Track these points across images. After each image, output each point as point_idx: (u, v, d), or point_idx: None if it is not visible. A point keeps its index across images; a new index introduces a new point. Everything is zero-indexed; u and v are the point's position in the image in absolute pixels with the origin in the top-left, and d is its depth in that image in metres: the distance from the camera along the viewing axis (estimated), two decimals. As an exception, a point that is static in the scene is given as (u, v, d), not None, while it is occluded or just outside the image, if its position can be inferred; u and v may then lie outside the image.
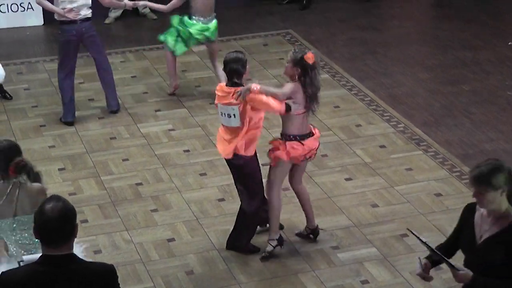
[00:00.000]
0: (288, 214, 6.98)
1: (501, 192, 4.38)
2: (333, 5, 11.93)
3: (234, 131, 6.34)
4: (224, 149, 6.42)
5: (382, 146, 8.19)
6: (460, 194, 7.38)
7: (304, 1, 11.89)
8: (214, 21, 8.89)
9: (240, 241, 6.63)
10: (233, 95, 6.23)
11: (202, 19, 8.83)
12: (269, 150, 6.48)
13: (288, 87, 6.28)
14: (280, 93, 6.25)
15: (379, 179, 7.61)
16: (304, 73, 6.25)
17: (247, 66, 6.37)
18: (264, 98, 6.21)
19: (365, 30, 11.11)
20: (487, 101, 9.11)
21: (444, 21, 11.42)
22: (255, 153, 6.44)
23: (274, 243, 6.55)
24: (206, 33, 8.87)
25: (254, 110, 6.27)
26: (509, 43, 10.59)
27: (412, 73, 9.82)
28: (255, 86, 6.19)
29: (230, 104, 6.27)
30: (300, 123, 6.35)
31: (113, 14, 11.43)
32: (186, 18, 8.87)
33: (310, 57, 6.24)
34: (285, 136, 6.40)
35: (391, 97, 9.21)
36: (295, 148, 6.35)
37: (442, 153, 8.05)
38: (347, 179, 7.64)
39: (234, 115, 6.28)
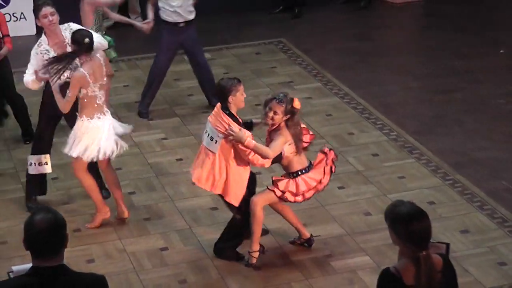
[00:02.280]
0: (281, 223, 6.98)
1: None
2: (325, 14, 11.97)
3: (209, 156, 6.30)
4: (198, 177, 6.39)
5: (375, 154, 8.21)
6: (453, 202, 7.40)
7: (296, 10, 11.92)
8: None
9: (224, 247, 6.64)
10: (224, 125, 6.19)
11: None
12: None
13: (279, 144, 6.25)
14: (271, 154, 6.24)
15: (371, 187, 7.63)
16: (291, 117, 6.32)
17: (236, 89, 6.23)
18: (250, 156, 6.21)
19: (357, 39, 11.14)
20: (479, 109, 9.14)
21: (435, 30, 11.46)
22: None
23: (256, 255, 6.53)
24: None
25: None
26: (501, 51, 10.64)
27: (404, 81, 9.85)
28: (249, 142, 6.15)
29: (217, 129, 6.25)
30: (299, 158, 6.41)
31: (105, 24, 11.43)
32: None
33: (298, 103, 6.32)
34: (291, 175, 6.44)
35: (383, 105, 9.24)
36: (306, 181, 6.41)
37: (434, 161, 8.07)
38: (339, 188, 7.65)
39: (216, 141, 6.26)
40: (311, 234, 6.79)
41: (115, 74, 10.08)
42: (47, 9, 7.04)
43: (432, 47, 10.90)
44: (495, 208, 7.30)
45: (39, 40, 7.16)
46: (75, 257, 6.58)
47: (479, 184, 7.67)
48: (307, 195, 6.42)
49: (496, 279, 6.41)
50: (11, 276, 4.18)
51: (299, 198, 6.41)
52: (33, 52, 7.11)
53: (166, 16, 8.81)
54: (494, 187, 7.62)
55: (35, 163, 7.23)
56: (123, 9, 11.45)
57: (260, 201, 6.40)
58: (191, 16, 8.83)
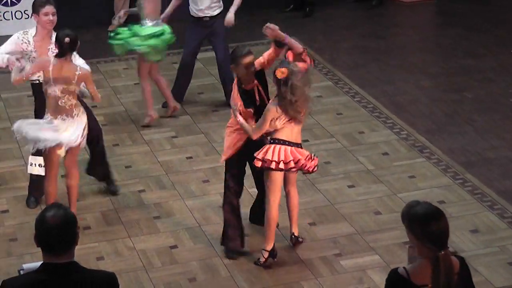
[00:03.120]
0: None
1: None
2: (336, 13, 11.94)
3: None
4: None
5: (385, 154, 8.19)
6: (463, 202, 7.37)
7: (307, 9, 11.90)
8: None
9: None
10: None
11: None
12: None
13: (262, 123, 6.25)
14: (254, 135, 6.30)
15: (382, 187, 7.61)
16: (278, 88, 6.24)
17: (239, 60, 6.39)
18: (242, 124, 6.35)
19: (368, 37, 11.12)
20: (490, 108, 9.11)
21: (447, 28, 11.43)
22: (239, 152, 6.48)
23: (266, 254, 6.52)
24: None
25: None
26: (512, 51, 10.61)
27: (415, 80, 9.83)
28: (238, 118, 6.31)
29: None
30: (289, 131, 6.32)
31: (116, 22, 11.44)
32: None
33: (279, 72, 6.20)
34: (272, 140, 6.37)
35: (394, 104, 9.21)
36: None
37: (445, 160, 8.04)
38: (350, 186, 7.63)
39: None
40: (298, 236, 6.70)
41: (125, 72, 10.11)
42: (50, 8, 7.06)
43: (444, 46, 10.87)
44: (505, 208, 7.28)
45: (27, 29, 7.17)
46: (84, 254, 6.60)
47: (489, 183, 7.65)
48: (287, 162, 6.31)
49: (506, 279, 6.39)
50: (22, 273, 4.19)
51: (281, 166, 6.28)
52: (15, 35, 7.14)
53: (191, 10, 8.90)
54: (505, 187, 7.59)
55: (35, 164, 7.17)
56: (133, 7, 11.45)
57: (268, 201, 6.38)
58: (215, 12, 8.84)
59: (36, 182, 7.26)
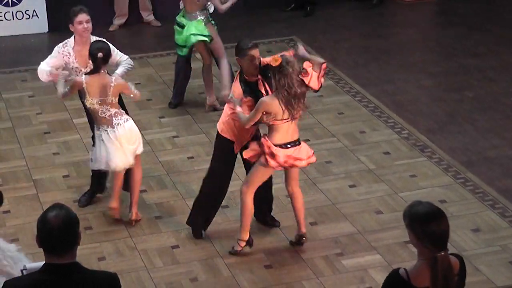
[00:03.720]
0: (293, 221, 6.98)
1: None
2: (337, 12, 11.94)
3: None
4: None
5: (386, 153, 8.19)
6: (465, 201, 7.38)
7: (308, 8, 11.90)
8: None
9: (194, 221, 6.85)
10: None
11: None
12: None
13: (253, 113, 6.28)
14: (245, 125, 6.36)
15: (383, 186, 7.61)
16: (273, 78, 6.26)
17: (244, 53, 6.41)
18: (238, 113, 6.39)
19: (369, 37, 11.12)
20: (491, 108, 9.11)
21: (448, 28, 11.43)
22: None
23: (242, 244, 6.63)
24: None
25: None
26: (513, 50, 10.60)
27: (416, 80, 9.83)
28: (238, 108, 6.38)
29: None
30: (285, 131, 6.33)
31: (117, 22, 11.46)
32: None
33: (271, 60, 6.21)
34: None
35: (395, 103, 9.22)
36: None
37: (446, 159, 8.05)
38: (351, 186, 7.64)
39: None
40: (304, 234, 6.72)
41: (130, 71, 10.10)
42: (84, 16, 7.11)
43: (445, 45, 10.87)
44: (506, 207, 7.28)
45: (66, 40, 7.22)
46: (86, 254, 6.60)
47: (491, 182, 7.65)
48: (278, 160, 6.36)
49: (507, 278, 6.39)
50: (24, 274, 4.20)
51: (273, 163, 6.32)
52: (56, 49, 7.20)
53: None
54: (506, 186, 7.59)
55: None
56: (134, 7, 11.47)
57: (246, 190, 6.45)
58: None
59: (94, 177, 7.35)
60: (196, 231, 6.90)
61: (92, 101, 6.80)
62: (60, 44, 7.21)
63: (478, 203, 7.34)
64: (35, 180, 7.76)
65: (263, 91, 6.48)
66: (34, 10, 11.24)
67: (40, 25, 11.26)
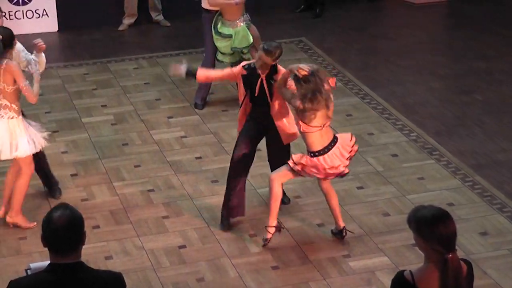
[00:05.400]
0: (300, 222, 6.98)
1: None
2: (346, 14, 11.94)
3: None
4: None
5: (394, 155, 8.18)
6: (473, 204, 7.36)
7: (317, 10, 11.90)
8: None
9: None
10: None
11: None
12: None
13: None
14: (292, 102, 6.48)
15: (391, 188, 7.60)
16: (297, 88, 6.48)
17: (263, 55, 6.67)
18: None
19: (378, 39, 11.11)
20: (500, 111, 9.09)
21: (457, 30, 11.41)
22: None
23: (272, 230, 6.69)
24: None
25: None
26: (523, 53, 10.57)
27: (425, 82, 9.81)
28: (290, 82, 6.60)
29: None
30: (319, 137, 6.49)
31: (127, 21, 11.47)
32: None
33: (302, 69, 6.42)
34: (309, 153, 6.57)
35: (403, 106, 9.20)
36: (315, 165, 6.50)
37: (454, 162, 8.03)
38: (358, 188, 7.63)
39: None
40: (344, 227, 6.79)
41: (135, 71, 10.12)
42: None
43: (454, 48, 10.85)
44: (515, 210, 7.26)
45: None
46: (93, 253, 6.61)
47: (499, 185, 7.63)
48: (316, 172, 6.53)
49: (515, 282, 6.37)
50: (29, 273, 4.20)
51: (314, 170, 6.51)
52: None
53: (206, 4, 8.84)
54: (515, 189, 7.57)
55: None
56: (144, 7, 11.49)
57: (277, 178, 6.59)
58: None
59: None
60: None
61: None
62: None
63: (486, 206, 7.33)
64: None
65: (257, 89, 6.73)
66: (44, 9, 11.27)
67: (50, 24, 11.29)
